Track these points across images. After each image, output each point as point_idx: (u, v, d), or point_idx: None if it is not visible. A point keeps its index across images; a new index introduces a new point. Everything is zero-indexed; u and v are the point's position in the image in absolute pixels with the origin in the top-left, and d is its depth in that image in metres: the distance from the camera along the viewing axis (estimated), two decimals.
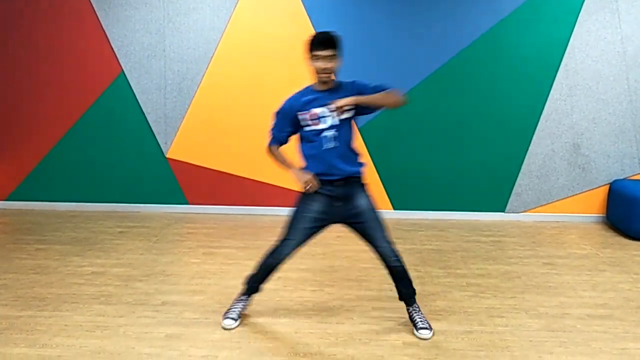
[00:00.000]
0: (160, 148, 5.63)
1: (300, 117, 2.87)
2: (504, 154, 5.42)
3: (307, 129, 2.87)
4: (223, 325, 3.06)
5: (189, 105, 5.54)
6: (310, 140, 2.88)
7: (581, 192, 5.43)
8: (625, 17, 5.13)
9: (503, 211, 5.53)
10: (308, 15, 5.28)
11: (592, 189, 5.41)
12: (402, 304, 3.16)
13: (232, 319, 3.09)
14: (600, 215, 5.45)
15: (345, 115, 2.84)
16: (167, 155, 5.64)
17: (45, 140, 5.71)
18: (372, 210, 2.93)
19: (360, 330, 3.04)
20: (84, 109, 5.62)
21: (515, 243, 4.74)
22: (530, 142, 5.37)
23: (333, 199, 2.91)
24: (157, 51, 5.48)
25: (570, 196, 5.44)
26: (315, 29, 5.29)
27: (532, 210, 5.50)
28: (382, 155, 5.45)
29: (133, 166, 5.68)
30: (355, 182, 2.93)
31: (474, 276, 3.91)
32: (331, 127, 2.83)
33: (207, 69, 5.46)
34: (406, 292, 3.07)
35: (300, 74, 5.39)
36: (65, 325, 3.08)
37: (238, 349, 2.82)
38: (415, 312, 3.07)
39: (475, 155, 5.43)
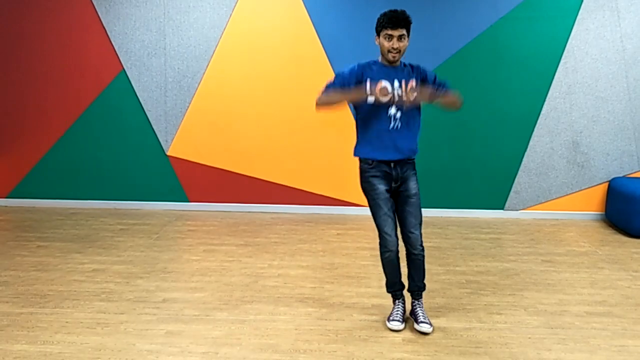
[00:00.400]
0: (161, 146, 5.64)
1: (368, 84, 2.81)
2: (503, 152, 5.43)
3: (371, 99, 2.81)
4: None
5: (189, 103, 5.55)
6: (373, 115, 2.84)
7: (580, 190, 5.44)
8: (625, 15, 5.13)
9: (502, 209, 5.54)
10: (308, 12, 5.28)
11: (591, 187, 5.42)
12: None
13: (398, 321, 3.03)
14: (599, 212, 5.46)
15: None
16: (168, 153, 5.65)
17: (46, 137, 5.72)
18: (418, 196, 2.97)
19: (359, 327, 3.05)
20: (85, 107, 5.63)
21: (514, 240, 4.75)
22: (529, 140, 5.38)
23: (392, 179, 2.92)
24: (157, 49, 5.49)
25: (569, 194, 5.45)
26: (315, 26, 5.30)
27: (531, 208, 5.51)
28: None
29: (134, 164, 5.69)
30: (409, 164, 2.96)
31: (473, 273, 3.92)
32: (394, 104, 2.82)
33: (207, 66, 5.47)
34: (418, 284, 3.08)
35: (301, 70, 5.43)
36: (66, 322, 3.09)
37: (238, 346, 2.83)
38: (419, 307, 3.08)
39: (474, 153, 5.44)
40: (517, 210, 5.53)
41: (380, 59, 2.90)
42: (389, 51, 2.78)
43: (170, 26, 5.44)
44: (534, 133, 5.36)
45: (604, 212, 5.42)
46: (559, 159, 5.39)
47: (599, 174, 5.38)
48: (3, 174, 5.85)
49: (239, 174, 5.64)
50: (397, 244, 2.94)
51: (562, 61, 5.23)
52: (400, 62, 2.90)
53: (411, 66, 2.92)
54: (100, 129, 5.66)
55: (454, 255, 4.32)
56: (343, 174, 5.50)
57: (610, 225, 5.23)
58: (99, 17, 5.45)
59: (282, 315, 3.20)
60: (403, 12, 2.77)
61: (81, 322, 3.09)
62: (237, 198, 5.70)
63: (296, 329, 3.03)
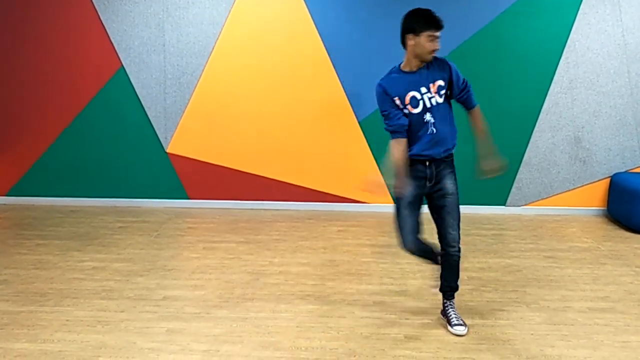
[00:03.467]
0: (161, 143, 5.62)
1: (397, 102, 2.83)
2: (505, 147, 5.32)
3: (404, 112, 2.84)
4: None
5: (189, 100, 5.52)
6: (415, 125, 2.86)
7: (582, 185, 5.42)
8: (627, 10, 5.10)
9: (504, 204, 5.52)
10: (308, 8, 5.26)
11: (593, 182, 5.40)
12: (401, 298, 3.17)
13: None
14: (601, 208, 5.44)
15: (440, 100, 2.86)
16: (167, 150, 5.63)
17: (45, 135, 5.70)
18: (455, 194, 2.99)
19: (361, 324, 3.04)
20: (84, 104, 5.60)
21: (516, 236, 4.73)
22: (531, 135, 5.35)
23: (425, 180, 2.93)
24: (156, 45, 5.46)
25: (571, 189, 5.43)
26: (315, 22, 5.27)
27: (533, 204, 5.49)
28: (383, 148, 5.42)
29: (133, 161, 5.67)
30: (445, 163, 2.98)
31: (475, 270, 3.91)
32: (427, 110, 2.83)
33: (206, 63, 5.44)
34: (450, 285, 3.05)
35: (301, 67, 5.41)
36: (67, 320, 3.08)
37: (240, 344, 2.82)
38: (451, 307, 3.03)
39: (475, 149, 5.40)
40: (519, 206, 5.51)
41: (402, 64, 2.86)
42: (430, 52, 2.77)
43: (170, 22, 5.41)
44: (536, 128, 5.34)
45: (606, 208, 5.40)
46: (560, 155, 5.37)
47: (601, 169, 5.36)
48: (2, 171, 5.83)
49: (239, 171, 5.62)
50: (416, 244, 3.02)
51: (563, 56, 5.20)
52: None
53: (436, 61, 2.86)
54: (99, 126, 5.63)
55: None
56: (344, 170, 5.48)
57: (612, 221, 5.21)
58: (97, 13, 5.42)
59: (284, 313, 3.18)
60: (433, 12, 2.79)
61: (81, 320, 3.07)
62: (237, 195, 5.68)
63: (297, 326, 3.01)
